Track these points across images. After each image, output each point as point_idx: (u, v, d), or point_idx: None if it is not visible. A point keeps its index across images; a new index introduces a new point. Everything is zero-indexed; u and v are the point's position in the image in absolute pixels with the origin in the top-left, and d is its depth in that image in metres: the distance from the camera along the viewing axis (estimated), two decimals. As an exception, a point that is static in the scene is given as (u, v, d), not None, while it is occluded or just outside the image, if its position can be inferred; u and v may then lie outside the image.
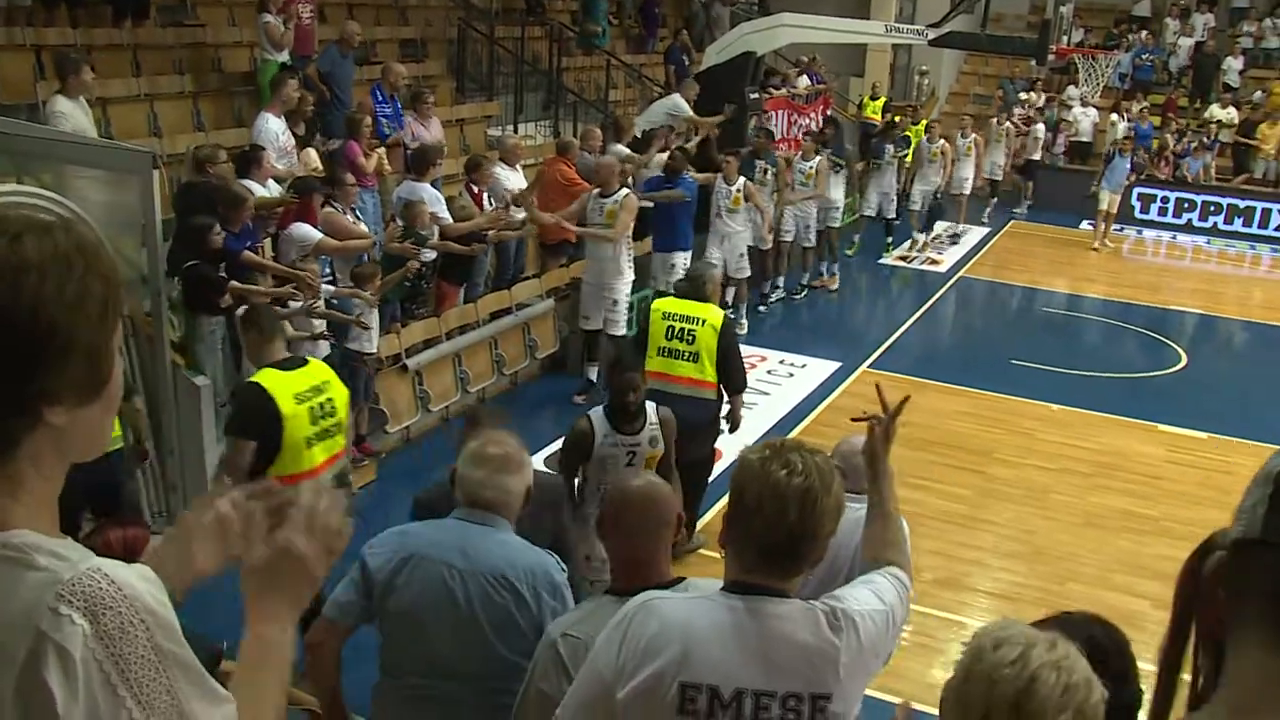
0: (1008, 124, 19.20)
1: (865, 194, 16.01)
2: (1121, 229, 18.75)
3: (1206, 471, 9.34)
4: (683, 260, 10.74)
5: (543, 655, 3.07)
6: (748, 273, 12.06)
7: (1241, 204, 19.64)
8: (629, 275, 10.04)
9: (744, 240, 11.92)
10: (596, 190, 9.90)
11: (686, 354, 6.88)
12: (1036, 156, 20.05)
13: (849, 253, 15.72)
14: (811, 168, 13.19)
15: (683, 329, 6.86)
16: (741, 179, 11.84)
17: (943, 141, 16.77)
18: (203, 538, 1.66)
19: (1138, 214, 19.55)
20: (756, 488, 2.39)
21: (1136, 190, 19.41)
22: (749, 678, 2.41)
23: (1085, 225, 19.51)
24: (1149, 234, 19.35)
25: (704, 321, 6.93)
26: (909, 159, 16.44)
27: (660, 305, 6.94)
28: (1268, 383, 12.10)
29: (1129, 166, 17.81)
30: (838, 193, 14.17)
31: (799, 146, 14.36)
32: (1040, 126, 20.09)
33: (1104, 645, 2.47)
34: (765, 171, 12.90)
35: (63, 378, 1.31)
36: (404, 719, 3.54)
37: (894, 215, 16.05)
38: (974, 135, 17.86)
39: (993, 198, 19.39)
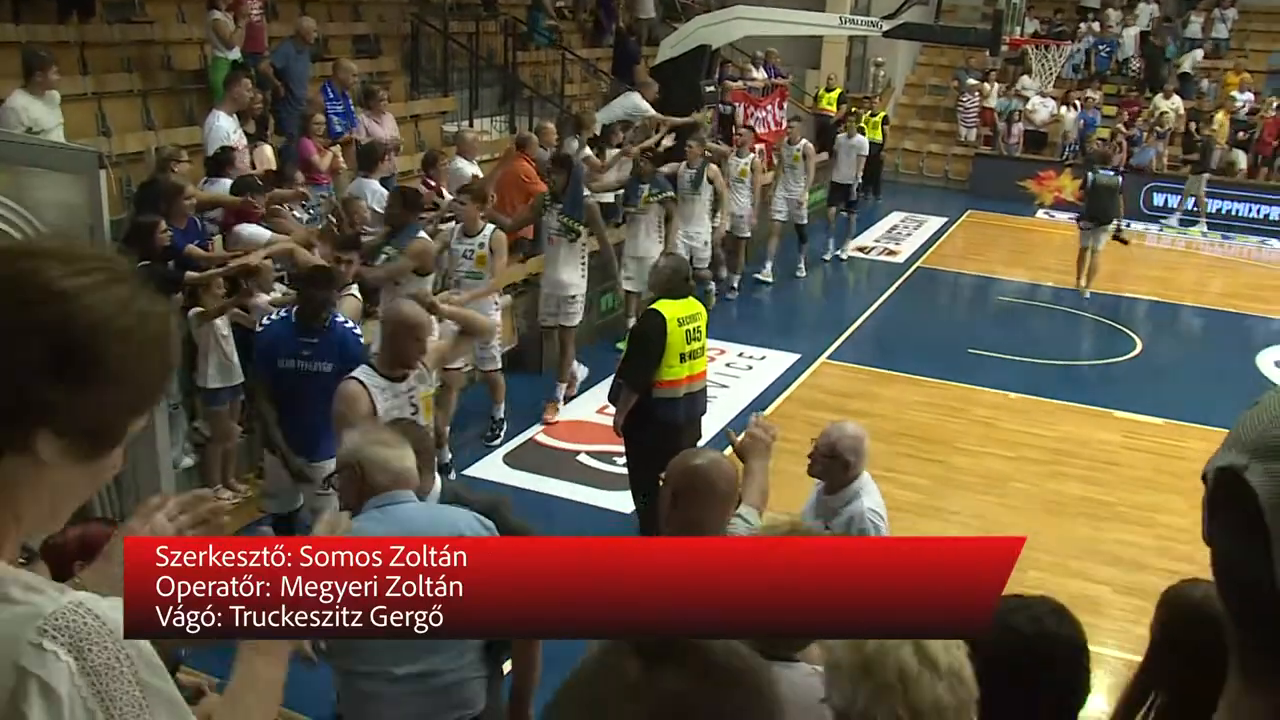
0: (803, 143, 14.20)
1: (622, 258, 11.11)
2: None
3: (1161, 456, 9.44)
4: None
5: None
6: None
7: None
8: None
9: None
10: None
11: (700, 350, 6.94)
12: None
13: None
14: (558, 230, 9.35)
15: (694, 328, 6.86)
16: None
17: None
18: None
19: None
20: None
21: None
22: None
23: (1041, 214, 19.68)
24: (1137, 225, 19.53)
25: (700, 314, 6.98)
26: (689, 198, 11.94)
27: (671, 313, 6.76)
28: (1219, 368, 12.24)
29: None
30: (651, 244, 11.00)
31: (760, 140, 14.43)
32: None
33: (1052, 637, 2.45)
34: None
35: (74, 407, 1.26)
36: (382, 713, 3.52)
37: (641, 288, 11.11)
38: (804, 142, 14.23)
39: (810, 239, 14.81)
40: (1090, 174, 14.45)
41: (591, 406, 9.66)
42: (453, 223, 8.65)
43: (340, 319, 6.27)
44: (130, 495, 6.89)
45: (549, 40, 16.18)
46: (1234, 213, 19.89)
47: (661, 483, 3.56)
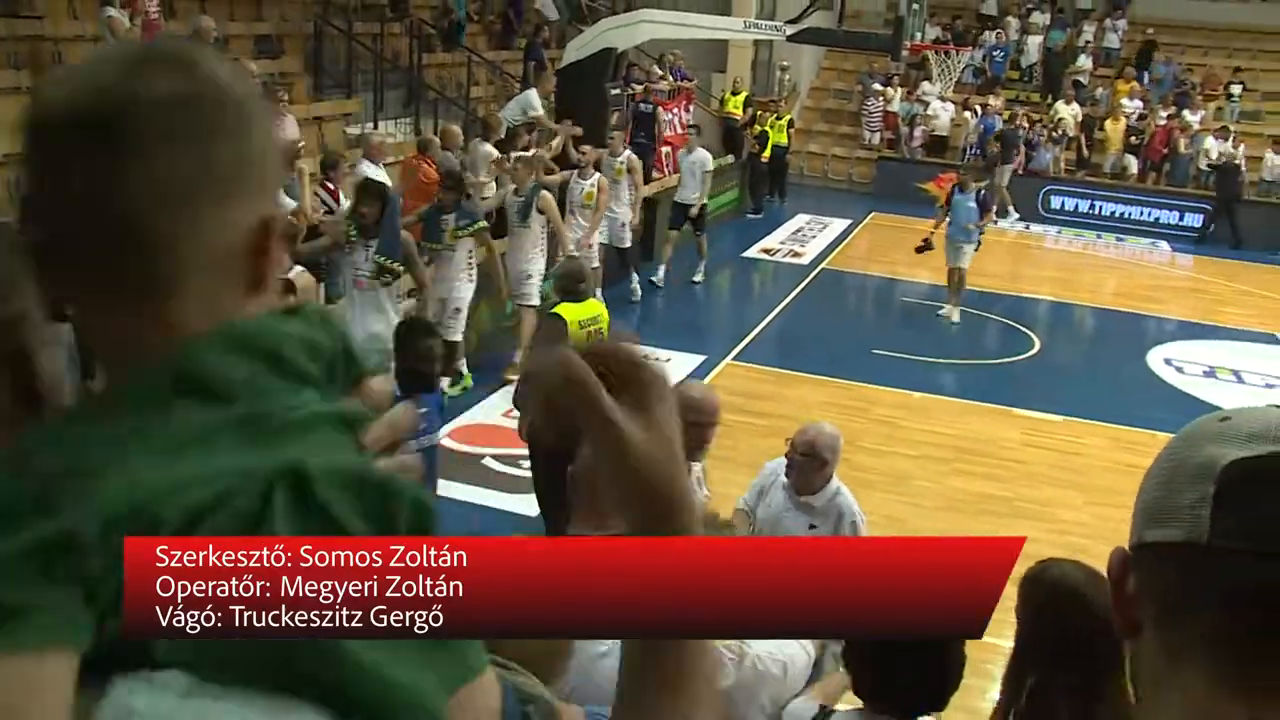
0: (626, 155, 12.64)
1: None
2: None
3: (1059, 453, 9.68)
4: None
5: None
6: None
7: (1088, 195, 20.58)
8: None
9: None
10: None
11: None
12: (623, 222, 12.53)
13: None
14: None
15: (595, 330, 6.85)
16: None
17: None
18: None
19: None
20: None
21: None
22: None
23: (942, 217, 20.10)
24: (1003, 223, 19.99)
25: (602, 316, 7.01)
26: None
27: (573, 316, 6.77)
28: (1114, 366, 12.60)
29: (974, 205, 13.01)
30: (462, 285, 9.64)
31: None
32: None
33: None
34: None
35: None
36: None
37: (457, 337, 9.67)
38: (627, 154, 12.69)
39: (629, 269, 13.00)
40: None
41: (497, 411, 9.61)
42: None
43: None
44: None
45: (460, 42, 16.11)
46: (1126, 216, 20.50)
47: None
